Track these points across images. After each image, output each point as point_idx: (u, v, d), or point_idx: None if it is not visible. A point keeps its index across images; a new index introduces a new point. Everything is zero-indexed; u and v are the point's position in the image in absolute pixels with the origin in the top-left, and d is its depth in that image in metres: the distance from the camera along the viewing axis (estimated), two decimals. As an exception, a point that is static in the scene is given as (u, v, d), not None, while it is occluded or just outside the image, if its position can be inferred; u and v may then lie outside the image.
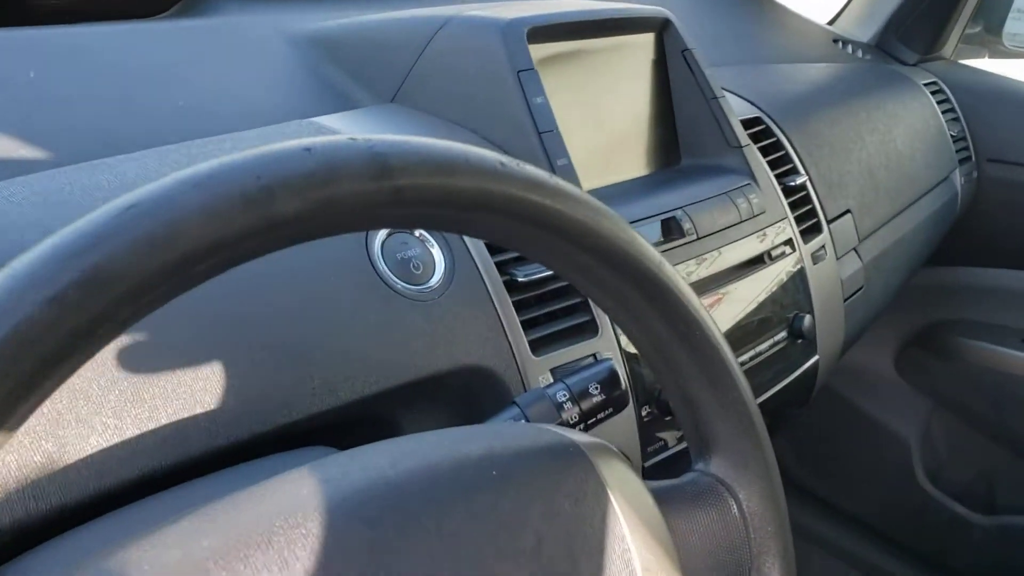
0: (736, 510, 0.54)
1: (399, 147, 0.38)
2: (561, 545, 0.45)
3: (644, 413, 0.79)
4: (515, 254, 0.73)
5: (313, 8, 1.06)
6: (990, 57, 1.78)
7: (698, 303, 0.51)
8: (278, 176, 0.34)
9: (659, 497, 0.52)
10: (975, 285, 1.70)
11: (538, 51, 0.85)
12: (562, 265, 0.48)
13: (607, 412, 0.64)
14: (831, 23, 1.72)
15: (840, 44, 1.60)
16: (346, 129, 0.79)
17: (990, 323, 1.67)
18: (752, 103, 1.12)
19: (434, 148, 0.39)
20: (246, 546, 0.38)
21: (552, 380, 0.71)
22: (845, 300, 1.11)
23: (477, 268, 0.71)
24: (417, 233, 0.67)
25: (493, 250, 0.73)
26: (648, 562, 0.49)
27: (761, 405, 0.98)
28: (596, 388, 0.63)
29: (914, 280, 1.62)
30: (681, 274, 0.86)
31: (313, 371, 0.60)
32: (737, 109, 1.07)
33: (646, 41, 0.97)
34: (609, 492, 0.48)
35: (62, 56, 0.81)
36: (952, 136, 1.53)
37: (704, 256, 0.89)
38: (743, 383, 0.53)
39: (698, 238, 0.89)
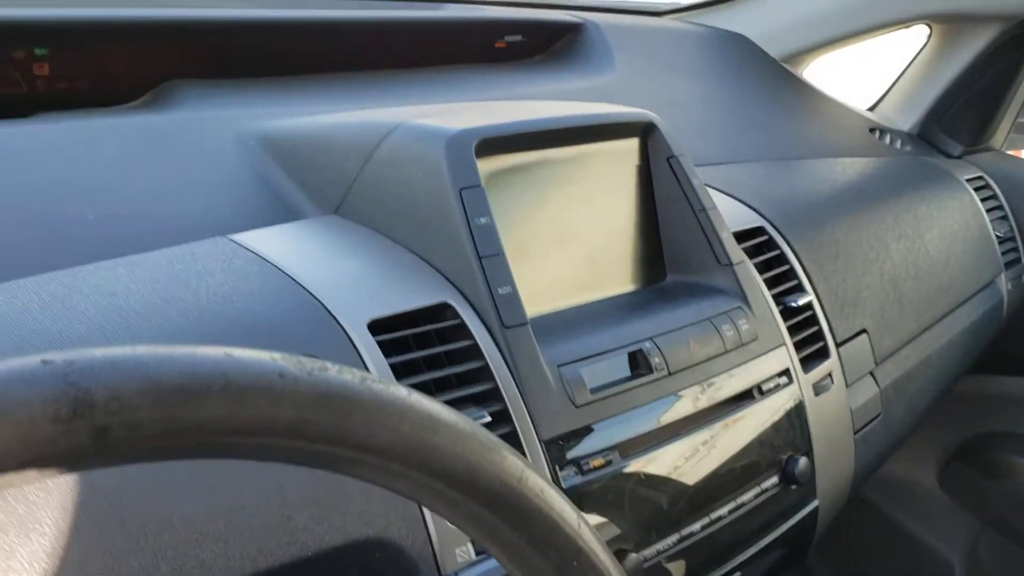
0: None
1: (112, 371, 0.30)
2: None
3: None
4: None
5: (284, 100, 1.01)
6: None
7: (576, 520, 0.42)
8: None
9: None
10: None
11: (494, 163, 0.77)
12: (396, 488, 0.39)
13: None
14: (872, 109, 1.61)
15: (877, 134, 1.49)
16: (269, 248, 0.72)
17: (1042, 439, 1.52)
18: (756, 210, 1.01)
19: (170, 366, 0.31)
20: None
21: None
22: (856, 432, 0.99)
23: None
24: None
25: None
26: None
27: (747, 562, 0.87)
28: None
29: (960, 388, 1.48)
30: (648, 417, 0.77)
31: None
32: (737, 218, 0.98)
33: (627, 147, 0.88)
34: None
35: None
36: (998, 237, 1.40)
37: (678, 394, 0.79)
38: None
39: (669, 374, 0.78)
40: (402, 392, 0.37)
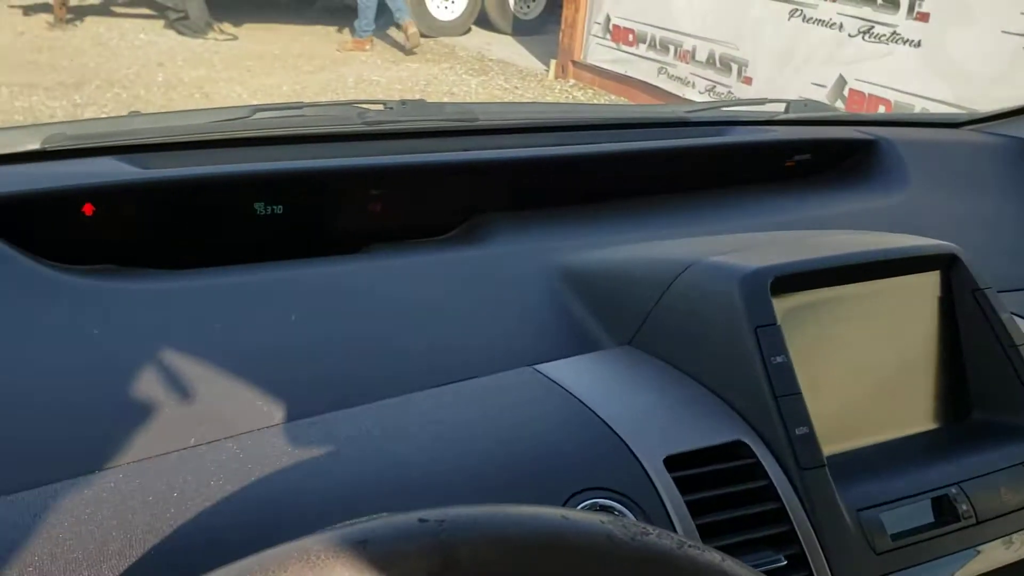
0: None
1: (473, 530, 0.35)
2: None
3: None
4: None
5: (583, 231, 1.08)
6: None
7: None
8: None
9: None
10: None
11: (790, 300, 0.78)
12: None
13: None
14: None
15: None
16: (570, 379, 0.77)
17: None
18: (1073, 343, 0.94)
19: (518, 527, 0.36)
20: None
21: None
22: None
23: None
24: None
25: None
26: None
27: None
28: None
29: None
30: (952, 567, 0.73)
31: None
32: (1052, 352, 0.91)
33: (927, 280, 0.86)
34: None
35: (321, 295, 0.87)
36: None
37: (985, 547, 0.75)
38: None
39: (977, 522, 0.75)
40: (716, 558, 0.40)
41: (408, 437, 0.68)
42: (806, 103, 1.58)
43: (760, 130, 1.41)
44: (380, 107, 1.24)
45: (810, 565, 0.68)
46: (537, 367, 0.79)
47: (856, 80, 4.62)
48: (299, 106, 1.23)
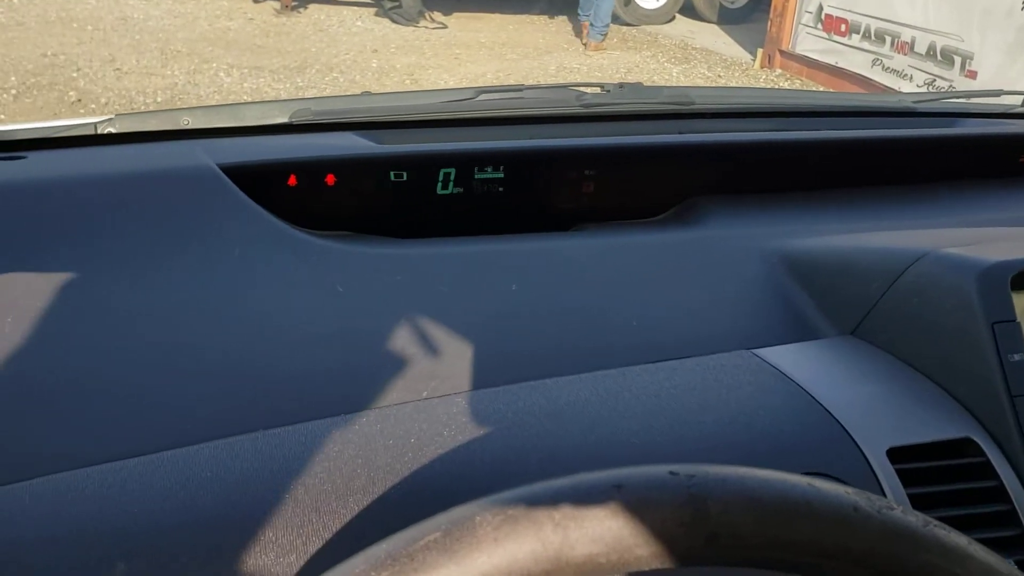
0: None
1: (722, 488, 0.36)
2: None
3: None
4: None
5: (801, 218, 1.06)
6: None
7: None
8: (577, 519, 0.34)
9: None
10: None
11: (1028, 297, 0.74)
12: None
13: None
14: None
15: None
16: (790, 365, 0.76)
17: None
18: None
19: (767, 489, 0.37)
20: None
21: None
22: None
23: None
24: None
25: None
26: None
27: None
28: None
29: None
30: None
31: None
32: None
33: None
34: None
35: (537, 268, 0.90)
36: None
37: None
38: None
39: None
40: (963, 540, 0.39)
41: (626, 409, 0.69)
42: (1053, 92, 1.47)
43: (993, 123, 1.34)
44: (598, 90, 1.26)
45: (1042, 572, 0.64)
46: (755, 351, 0.79)
47: (1098, 74, 4.24)
48: (520, 88, 1.26)
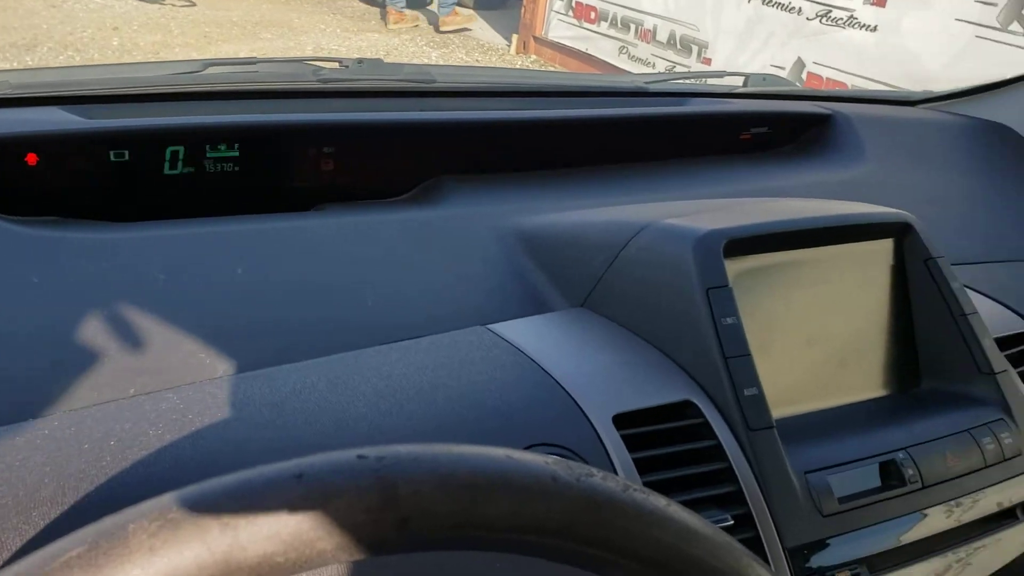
0: None
1: (414, 468, 0.34)
2: None
3: None
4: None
5: (539, 196, 1.07)
6: None
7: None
8: (249, 516, 0.31)
9: None
10: None
11: (742, 263, 0.78)
12: None
13: None
14: None
15: None
16: (523, 339, 0.76)
17: None
18: (1021, 314, 0.96)
19: (461, 465, 0.35)
20: None
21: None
22: None
23: None
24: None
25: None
26: None
27: None
28: None
29: None
30: (898, 531, 0.74)
31: None
32: (1000, 323, 0.93)
33: (880, 247, 0.86)
34: None
35: (269, 251, 0.85)
36: None
37: (931, 510, 0.75)
38: None
39: (923, 487, 0.75)
40: (661, 502, 0.39)
41: (354, 391, 0.66)
42: (764, 77, 1.58)
43: (718, 102, 1.41)
44: (336, 65, 1.21)
45: (756, 525, 0.68)
46: (489, 326, 0.78)
47: (814, 63, 4.65)
48: (253, 61, 1.20)
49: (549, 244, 0.90)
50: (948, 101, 1.55)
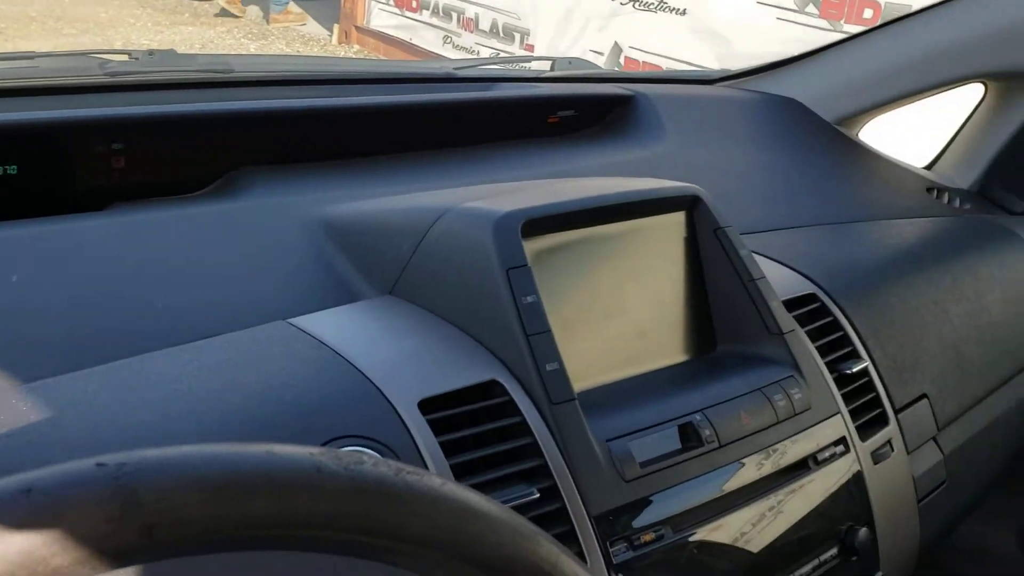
0: None
1: (159, 472, 0.32)
2: None
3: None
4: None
5: (345, 184, 1.05)
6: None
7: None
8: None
9: None
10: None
11: (541, 242, 0.79)
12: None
13: None
14: (929, 167, 1.60)
15: (935, 193, 1.48)
16: (326, 330, 0.75)
17: None
18: (809, 277, 1.02)
19: (215, 465, 0.33)
20: None
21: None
22: (920, 501, 0.97)
23: None
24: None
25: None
26: None
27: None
28: None
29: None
30: (699, 489, 0.77)
31: None
32: (788, 286, 0.98)
33: (673, 221, 0.90)
34: None
35: (52, 255, 0.80)
36: (1067, 294, 1.37)
37: (729, 466, 0.79)
38: None
39: (720, 446, 0.79)
40: (436, 482, 0.39)
41: (140, 399, 0.63)
42: (571, 61, 1.61)
43: (525, 86, 1.43)
44: (124, 57, 1.15)
45: (562, 496, 0.69)
46: (290, 320, 0.77)
47: (631, 48, 4.80)
48: (31, 56, 1.12)
49: (355, 232, 0.89)
50: (744, 79, 1.62)
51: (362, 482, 0.37)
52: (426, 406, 0.69)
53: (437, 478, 0.40)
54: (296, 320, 0.77)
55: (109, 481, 0.31)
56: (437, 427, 0.68)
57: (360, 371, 0.70)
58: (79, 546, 0.30)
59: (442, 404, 0.69)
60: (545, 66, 1.55)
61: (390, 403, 0.68)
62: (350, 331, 0.76)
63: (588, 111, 1.39)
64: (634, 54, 4.74)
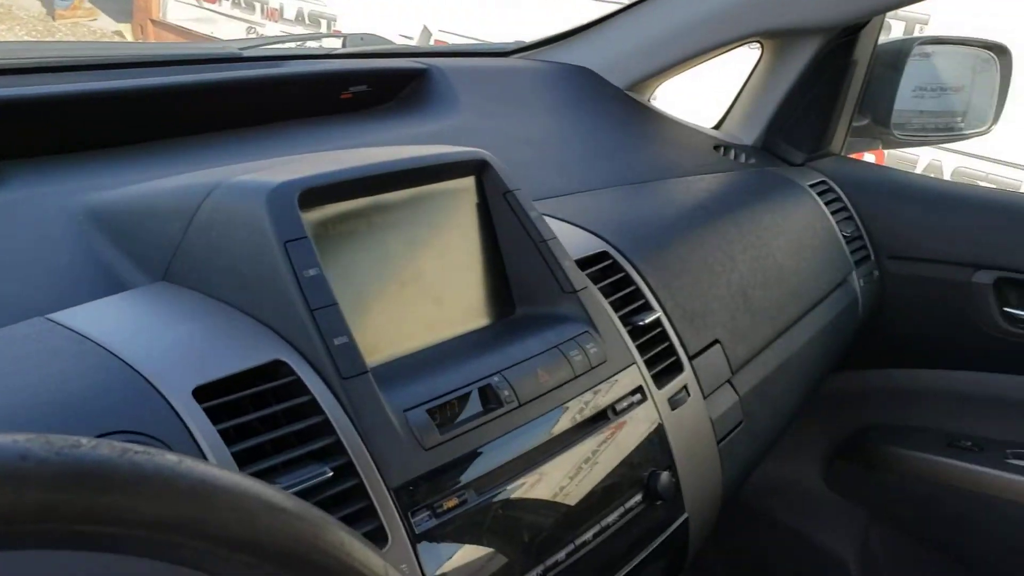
0: None
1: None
2: None
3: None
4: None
5: (119, 171, 0.98)
6: (883, 148, 1.73)
7: (383, 567, 0.42)
8: None
9: None
10: (895, 387, 1.61)
11: (323, 212, 0.77)
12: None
13: None
14: (717, 127, 1.67)
15: (722, 150, 1.54)
16: (87, 323, 0.70)
17: (914, 426, 1.58)
18: (600, 236, 1.03)
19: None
20: None
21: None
22: (720, 441, 1.01)
23: None
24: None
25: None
26: None
27: (617, 583, 0.88)
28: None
29: (833, 385, 1.54)
30: (501, 450, 0.77)
31: None
32: (580, 245, 0.99)
33: (463, 186, 0.89)
34: None
35: None
36: (845, 237, 1.47)
37: (530, 424, 0.79)
38: None
39: (520, 405, 0.79)
40: (171, 460, 0.37)
41: None
42: (363, 36, 1.59)
43: (316, 63, 1.39)
44: None
45: (358, 472, 0.67)
46: (50, 316, 0.71)
47: (440, 31, 4.80)
48: None
49: (121, 218, 0.84)
50: (537, 49, 1.64)
51: (78, 467, 0.33)
52: (202, 394, 0.65)
53: (174, 456, 0.37)
54: (55, 315, 0.71)
55: None
56: (216, 415, 0.64)
57: (126, 363, 0.65)
58: None
59: (221, 390, 0.66)
60: (337, 43, 1.52)
61: (161, 394, 0.64)
62: (115, 322, 0.71)
63: (382, 86, 1.37)
64: (444, 36, 4.74)
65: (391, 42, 1.67)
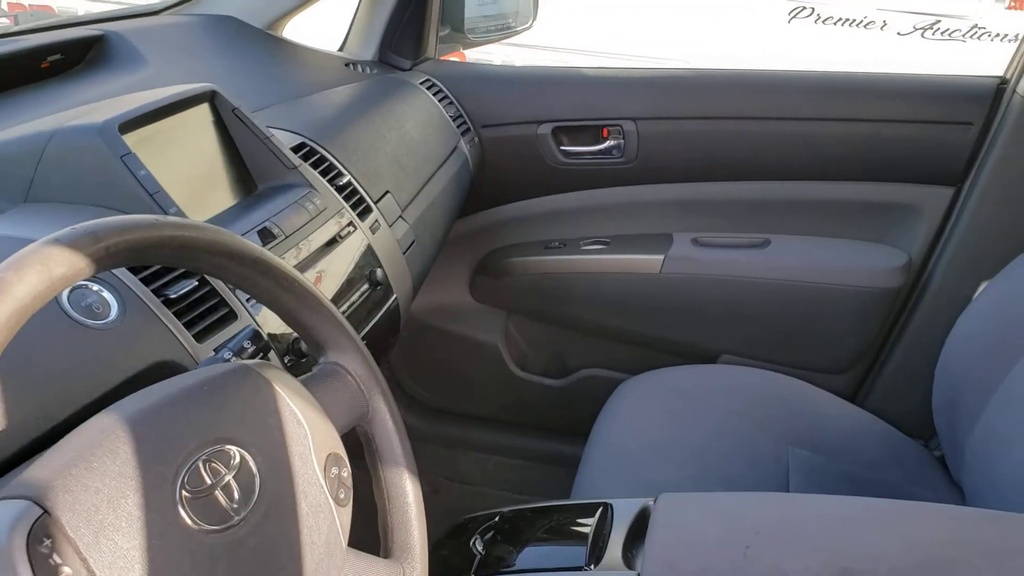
0: (350, 377, 0.93)
1: (102, 224, 0.71)
2: (253, 420, 0.79)
3: (287, 360, 1.15)
4: (166, 280, 1.04)
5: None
6: (463, 49, 2.33)
7: (295, 272, 0.89)
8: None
9: (306, 383, 0.89)
10: (504, 219, 2.25)
11: (130, 138, 1.16)
12: (213, 269, 0.82)
13: (259, 356, 1.00)
14: (341, 49, 2.15)
15: (352, 66, 2.04)
16: None
17: (521, 243, 2.24)
18: (296, 132, 1.50)
19: (124, 220, 0.73)
20: None
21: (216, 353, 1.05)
22: (404, 252, 1.55)
23: (141, 298, 1.00)
24: (94, 286, 0.96)
25: (147, 282, 1.03)
26: (308, 418, 0.85)
27: (363, 337, 1.38)
28: (248, 343, 0.98)
29: (464, 227, 2.13)
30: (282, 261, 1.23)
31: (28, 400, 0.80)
32: (285, 140, 1.45)
33: (205, 110, 1.31)
34: (274, 385, 0.83)
35: None
36: (451, 116, 2.04)
37: (294, 248, 1.26)
38: (334, 309, 0.91)
39: (286, 237, 1.25)
40: (197, 221, 0.81)
41: None
42: (32, 13, 1.84)
43: (14, 40, 1.66)
44: None
45: (209, 282, 1.10)
46: None
47: None
48: None
49: None
50: (183, 6, 2.00)
51: (172, 221, 0.77)
52: None
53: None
54: None
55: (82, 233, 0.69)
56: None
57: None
58: (84, 253, 0.68)
59: None
60: (9, 23, 1.76)
61: None
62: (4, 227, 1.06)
63: (73, 53, 1.66)
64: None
65: (59, 15, 1.92)
